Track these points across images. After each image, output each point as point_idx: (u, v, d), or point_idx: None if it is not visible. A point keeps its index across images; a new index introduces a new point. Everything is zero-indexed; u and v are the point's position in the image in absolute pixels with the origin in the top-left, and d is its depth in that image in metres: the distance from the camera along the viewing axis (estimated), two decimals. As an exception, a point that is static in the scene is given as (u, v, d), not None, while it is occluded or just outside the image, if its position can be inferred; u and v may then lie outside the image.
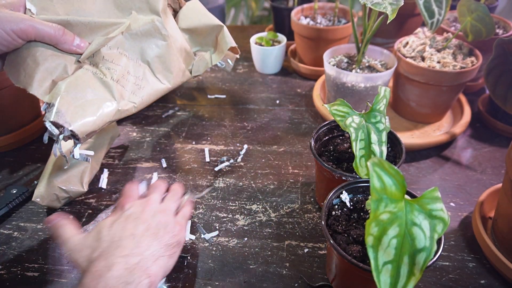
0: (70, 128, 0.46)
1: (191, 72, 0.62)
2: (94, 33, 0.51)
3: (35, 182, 0.67)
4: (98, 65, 0.51)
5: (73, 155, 0.50)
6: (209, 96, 0.93)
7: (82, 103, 0.48)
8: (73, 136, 0.47)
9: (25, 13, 0.48)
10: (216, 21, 0.60)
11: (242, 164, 0.73)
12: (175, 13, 0.61)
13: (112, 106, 0.50)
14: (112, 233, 0.43)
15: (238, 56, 0.65)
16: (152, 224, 0.45)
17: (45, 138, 0.48)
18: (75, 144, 0.49)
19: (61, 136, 0.47)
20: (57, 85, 0.48)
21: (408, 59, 0.73)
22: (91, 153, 0.52)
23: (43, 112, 0.48)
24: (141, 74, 0.54)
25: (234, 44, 0.60)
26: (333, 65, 0.77)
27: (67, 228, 0.45)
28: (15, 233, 0.60)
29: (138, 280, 0.39)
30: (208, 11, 0.62)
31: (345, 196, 0.49)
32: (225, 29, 0.60)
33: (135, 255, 0.41)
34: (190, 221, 0.61)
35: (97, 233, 0.44)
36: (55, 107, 0.46)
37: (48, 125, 0.46)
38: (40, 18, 0.48)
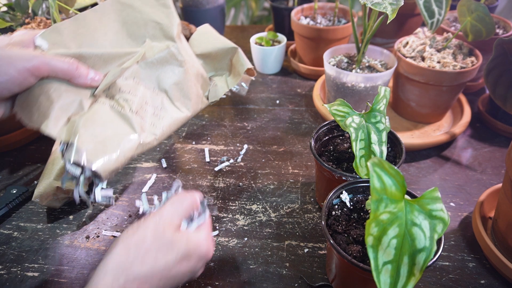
0: (92, 167, 0.42)
1: (207, 98, 0.59)
2: (108, 64, 0.49)
3: (35, 182, 0.67)
4: (115, 98, 0.48)
5: (94, 198, 0.45)
6: (209, 96, 0.93)
7: (102, 140, 0.44)
8: (94, 175, 0.43)
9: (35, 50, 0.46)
10: (230, 43, 0.58)
11: (242, 164, 0.73)
12: (186, 39, 0.59)
13: (134, 139, 0.47)
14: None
15: (254, 78, 0.61)
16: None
17: (63, 182, 0.44)
18: (97, 184, 0.45)
19: (82, 177, 0.43)
20: (73, 122, 0.45)
21: (408, 59, 0.73)
22: (111, 193, 0.47)
23: (60, 153, 0.44)
24: (159, 103, 0.51)
25: (250, 66, 0.58)
26: (333, 65, 0.77)
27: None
28: (15, 233, 0.60)
29: None
30: (220, 35, 0.60)
31: (345, 196, 0.49)
32: (240, 51, 0.58)
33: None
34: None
35: None
36: (75, 146, 0.42)
37: (68, 166, 0.42)
38: (51, 53, 0.46)
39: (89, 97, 0.48)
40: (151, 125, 0.50)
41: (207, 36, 0.59)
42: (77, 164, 0.42)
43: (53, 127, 0.44)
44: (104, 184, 0.45)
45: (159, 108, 0.51)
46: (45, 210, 0.64)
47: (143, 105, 0.50)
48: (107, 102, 0.48)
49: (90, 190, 0.45)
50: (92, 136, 0.44)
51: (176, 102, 0.53)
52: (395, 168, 0.36)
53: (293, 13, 0.97)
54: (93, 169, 0.42)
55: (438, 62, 0.72)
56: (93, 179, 0.44)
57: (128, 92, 0.49)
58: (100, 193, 0.45)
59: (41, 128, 0.44)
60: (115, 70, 0.49)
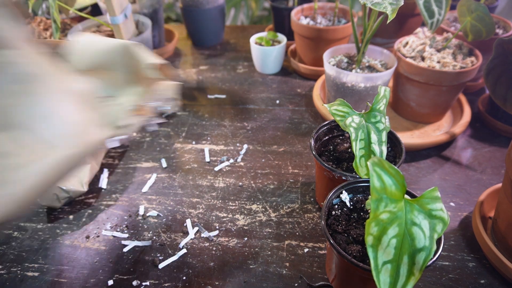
0: None
1: (112, 124, 0.43)
2: None
3: (35, 182, 0.67)
4: None
5: None
6: (209, 96, 0.93)
7: None
8: None
9: None
10: (118, 41, 0.45)
11: (242, 164, 0.73)
12: (62, 58, 0.46)
13: None
14: None
15: (179, 82, 0.49)
16: None
17: None
18: None
19: None
20: None
21: (408, 59, 0.73)
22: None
23: None
24: (9, 147, 0.33)
25: (155, 60, 0.44)
26: (333, 65, 0.77)
27: None
28: (15, 233, 0.60)
29: None
30: (106, 37, 0.47)
31: (345, 196, 0.49)
32: (133, 47, 0.45)
33: None
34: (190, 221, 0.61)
35: None
36: None
37: None
38: None
39: None
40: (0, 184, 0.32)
41: (89, 44, 0.46)
42: None
43: None
44: None
45: (7, 155, 0.33)
46: (45, 210, 0.64)
47: None
48: None
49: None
50: None
51: (42, 138, 0.35)
52: (395, 167, 0.36)
53: (293, 13, 0.97)
54: None
55: (438, 62, 0.72)
56: None
57: None
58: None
59: None
60: None
